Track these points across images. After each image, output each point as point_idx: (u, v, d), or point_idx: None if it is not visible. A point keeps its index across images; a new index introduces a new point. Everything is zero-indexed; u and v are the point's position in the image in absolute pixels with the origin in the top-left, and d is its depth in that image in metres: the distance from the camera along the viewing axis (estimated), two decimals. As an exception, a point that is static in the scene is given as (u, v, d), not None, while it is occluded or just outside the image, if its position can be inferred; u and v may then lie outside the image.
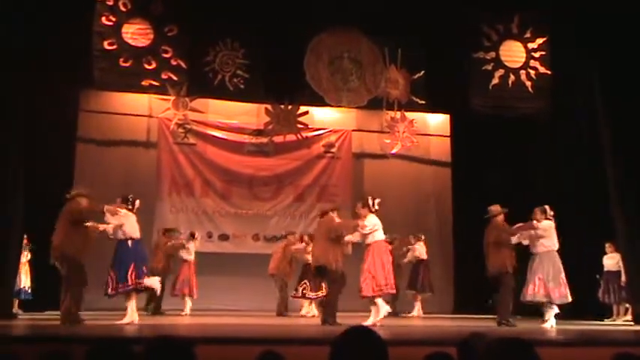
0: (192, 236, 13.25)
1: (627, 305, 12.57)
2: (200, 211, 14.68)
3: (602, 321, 12.28)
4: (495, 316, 10.09)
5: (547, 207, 10.03)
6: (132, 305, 9.09)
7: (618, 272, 12.47)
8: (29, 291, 11.75)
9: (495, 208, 10.18)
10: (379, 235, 9.86)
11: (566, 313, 10.70)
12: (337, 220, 10.19)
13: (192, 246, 13.05)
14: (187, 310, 12.67)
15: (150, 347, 2.53)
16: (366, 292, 9.68)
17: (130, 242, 9.08)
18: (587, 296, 12.43)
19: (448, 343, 4.66)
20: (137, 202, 9.34)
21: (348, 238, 10.01)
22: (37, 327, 8.34)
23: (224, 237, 14.73)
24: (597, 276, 12.84)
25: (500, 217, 10.14)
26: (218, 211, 14.78)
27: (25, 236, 11.35)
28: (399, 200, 15.16)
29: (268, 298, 13.02)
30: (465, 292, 14.69)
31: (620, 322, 12.22)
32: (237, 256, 14.36)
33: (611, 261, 12.74)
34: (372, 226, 9.78)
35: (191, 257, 12.94)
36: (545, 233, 9.91)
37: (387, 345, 2.54)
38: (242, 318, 11.14)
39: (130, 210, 9.24)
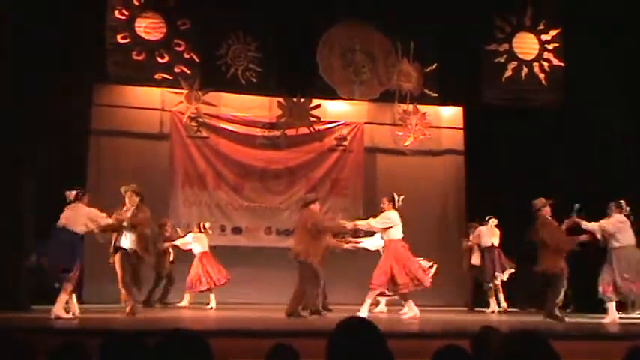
0: (202, 228, 13.22)
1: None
2: (213, 205, 14.67)
3: (618, 314, 12.20)
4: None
5: (623, 202, 9.69)
6: None
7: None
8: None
9: (540, 202, 9.91)
10: (394, 234, 9.86)
11: (581, 306, 10.63)
12: (317, 212, 10.18)
13: (204, 238, 13.03)
14: (213, 304, 12.65)
15: (165, 339, 2.54)
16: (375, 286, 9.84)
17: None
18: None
19: (462, 336, 4.64)
20: None
21: (360, 224, 10.14)
22: (50, 319, 8.39)
23: (237, 230, 14.72)
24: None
25: (546, 211, 9.91)
26: (231, 204, 14.77)
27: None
28: (412, 193, 14.96)
29: (282, 291, 12.95)
30: (481, 286, 14.60)
31: (635, 315, 12.14)
32: (250, 249, 14.38)
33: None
34: (388, 220, 9.79)
35: (200, 250, 12.93)
36: (617, 229, 9.61)
37: (384, 335, 2.54)
38: (255, 311, 11.15)
39: None
